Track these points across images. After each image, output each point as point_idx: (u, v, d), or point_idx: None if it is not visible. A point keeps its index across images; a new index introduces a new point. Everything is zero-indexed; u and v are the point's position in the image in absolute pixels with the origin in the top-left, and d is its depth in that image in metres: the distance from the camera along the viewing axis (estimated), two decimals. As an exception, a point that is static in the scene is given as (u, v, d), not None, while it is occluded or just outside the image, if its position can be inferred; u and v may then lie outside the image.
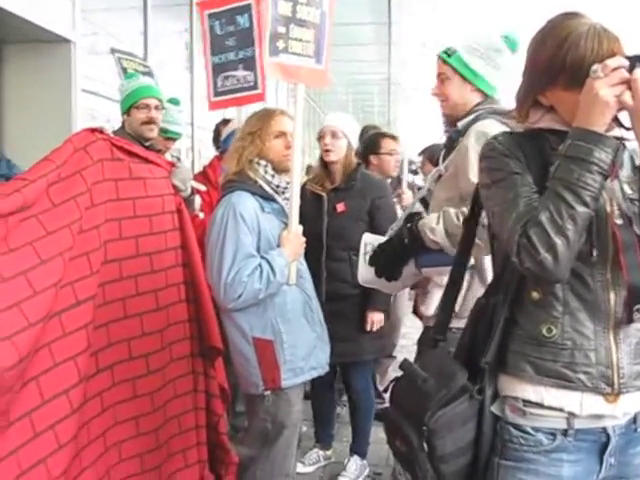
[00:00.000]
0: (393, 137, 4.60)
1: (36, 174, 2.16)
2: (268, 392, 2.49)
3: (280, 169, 2.54)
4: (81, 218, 2.30)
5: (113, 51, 3.91)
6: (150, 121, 3.13)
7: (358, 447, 3.66)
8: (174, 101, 3.92)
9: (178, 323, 2.87)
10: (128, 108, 3.17)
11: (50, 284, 2.02)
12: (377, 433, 3.79)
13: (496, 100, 2.40)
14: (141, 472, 2.64)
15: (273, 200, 2.54)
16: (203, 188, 3.18)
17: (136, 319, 2.64)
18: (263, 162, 2.51)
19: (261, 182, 2.51)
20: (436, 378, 1.58)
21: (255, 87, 3.04)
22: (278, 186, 2.54)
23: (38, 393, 1.98)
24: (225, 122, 4.32)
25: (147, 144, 3.11)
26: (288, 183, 2.56)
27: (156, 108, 3.16)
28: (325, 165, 3.52)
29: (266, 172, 2.52)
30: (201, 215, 3.52)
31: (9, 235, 1.95)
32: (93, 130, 2.57)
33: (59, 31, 4.77)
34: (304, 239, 2.61)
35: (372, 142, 4.46)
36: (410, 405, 1.61)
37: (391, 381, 1.75)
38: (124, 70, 3.83)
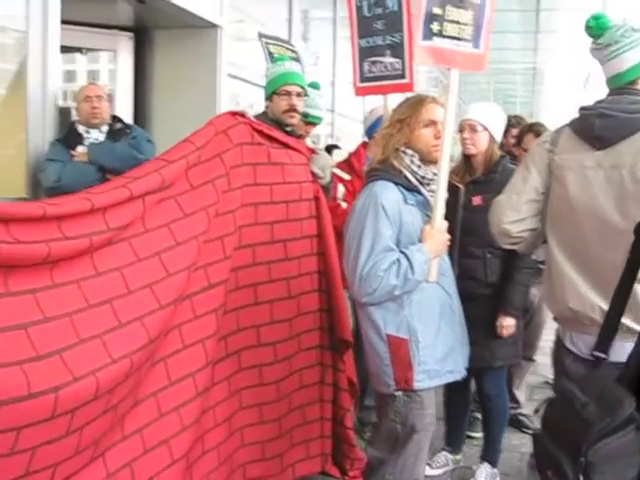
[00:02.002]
0: (538, 134, 4.31)
1: (176, 155, 2.16)
2: (399, 393, 2.37)
3: (427, 159, 2.40)
4: (218, 202, 2.29)
5: (260, 36, 3.89)
6: (291, 108, 3.07)
7: (489, 454, 3.47)
8: (315, 85, 3.86)
9: (308, 313, 2.82)
10: (270, 94, 3.14)
11: (183, 267, 2.02)
12: (510, 440, 3.55)
13: None
14: (262, 459, 2.63)
15: (417, 191, 2.40)
16: (347, 177, 3.09)
17: (266, 306, 2.61)
18: (410, 151, 2.38)
19: (406, 172, 2.38)
20: (597, 403, 1.39)
21: (402, 76, 2.90)
22: (424, 177, 2.40)
23: (165, 374, 1.99)
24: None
25: (288, 129, 3.06)
26: (435, 174, 2.41)
27: (298, 95, 3.10)
28: (466, 157, 3.36)
29: (412, 162, 2.38)
30: (343, 205, 3.45)
31: (146, 215, 1.96)
32: (235, 114, 2.56)
33: (207, 17, 4.87)
34: (448, 236, 2.45)
35: (519, 136, 4.22)
36: (566, 432, 1.43)
37: (543, 401, 1.57)
38: (271, 55, 3.80)
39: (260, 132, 2.62)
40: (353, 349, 3.06)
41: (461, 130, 3.35)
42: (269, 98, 3.14)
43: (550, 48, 13.60)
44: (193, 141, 2.27)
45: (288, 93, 3.07)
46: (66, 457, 1.59)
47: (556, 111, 14.45)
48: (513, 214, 2.21)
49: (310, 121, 3.66)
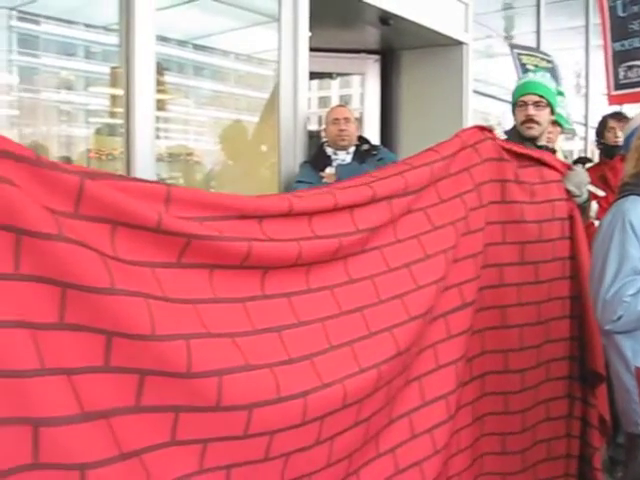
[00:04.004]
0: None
1: (420, 161, 2.13)
2: (651, 434, 2.10)
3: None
4: (466, 217, 2.22)
5: (512, 47, 3.76)
6: (527, 119, 2.90)
7: None
8: (558, 93, 3.63)
9: (558, 341, 2.63)
10: (513, 107, 3.00)
11: (431, 280, 1.98)
12: None
13: None
14: None
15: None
16: (602, 194, 2.85)
17: (514, 330, 2.48)
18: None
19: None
20: None
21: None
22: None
23: (419, 394, 1.96)
24: (617, 116, 3.86)
25: (540, 144, 2.90)
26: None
27: (536, 105, 2.91)
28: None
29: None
30: (596, 223, 3.19)
31: (397, 225, 1.94)
32: (482, 128, 2.49)
33: (453, 34, 4.84)
34: None
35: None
36: None
37: None
38: (523, 66, 3.65)
39: (508, 150, 2.51)
40: (607, 382, 2.81)
41: None
42: (513, 111, 3.01)
43: None
44: (438, 150, 2.24)
45: (525, 104, 2.91)
46: (318, 468, 1.60)
47: None
48: None
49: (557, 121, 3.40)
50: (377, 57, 5.19)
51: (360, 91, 5.35)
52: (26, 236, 1.11)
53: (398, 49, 5.18)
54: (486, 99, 5.62)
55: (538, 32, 6.48)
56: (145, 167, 2.98)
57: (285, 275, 1.60)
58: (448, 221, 2.14)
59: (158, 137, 3.38)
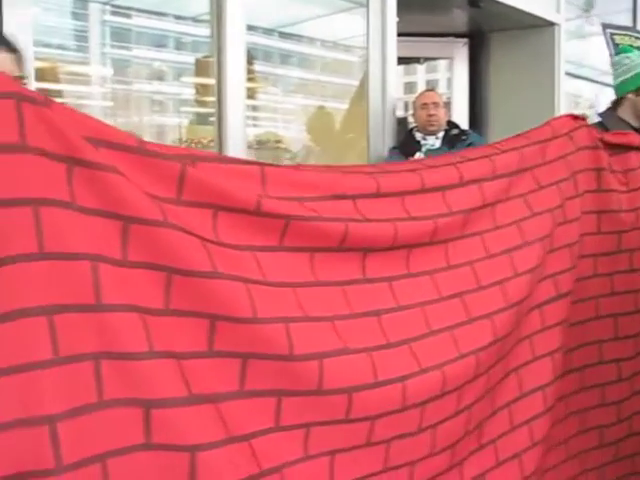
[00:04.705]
0: None
1: (508, 145, 2.07)
2: None
3: None
4: (562, 206, 2.16)
5: (604, 27, 3.61)
6: None
7: None
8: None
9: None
10: (634, 89, 2.79)
11: (528, 268, 1.93)
12: None
13: None
14: None
15: None
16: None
17: (609, 320, 2.40)
18: None
19: None
20: None
21: None
22: None
23: (517, 385, 1.92)
24: None
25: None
26: None
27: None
28: None
29: None
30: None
31: (496, 211, 1.89)
32: (575, 117, 2.41)
33: (544, 15, 4.71)
34: None
35: None
36: None
37: None
38: (616, 47, 3.50)
39: (600, 138, 2.42)
40: None
41: None
42: (632, 93, 2.82)
43: None
44: (527, 136, 2.17)
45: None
46: (422, 456, 1.58)
47: None
48: None
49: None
50: (465, 40, 5.09)
51: (447, 76, 5.27)
52: (133, 223, 1.13)
53: (487, 32, 5.07)
54: (578, 81, 5.44)
55: (634, 10, 6.23)
56: (236, 155, 3.03)
57: (386, 259, 1.57)
58: (546, 209, 2.09)
59: (247, 125, 3.43)
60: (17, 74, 1.71)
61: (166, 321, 1.17)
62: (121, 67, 3.85)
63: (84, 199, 1.08)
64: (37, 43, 2.79)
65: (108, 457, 1.08)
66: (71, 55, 3.57)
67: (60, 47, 3.48)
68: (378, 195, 1.58)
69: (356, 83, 4.01)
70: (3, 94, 1.01)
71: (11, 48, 1.64)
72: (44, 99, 1.07)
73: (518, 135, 2.20)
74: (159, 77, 3.95)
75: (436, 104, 3.61)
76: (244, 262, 1.28)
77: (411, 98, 4.32)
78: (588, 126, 2.41)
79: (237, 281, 1.23)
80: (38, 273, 1.04)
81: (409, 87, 5.55)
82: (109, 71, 3.71)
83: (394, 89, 3.86)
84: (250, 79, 3.51)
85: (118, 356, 1.10)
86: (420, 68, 5.45)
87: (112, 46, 3.83)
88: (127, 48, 3.97)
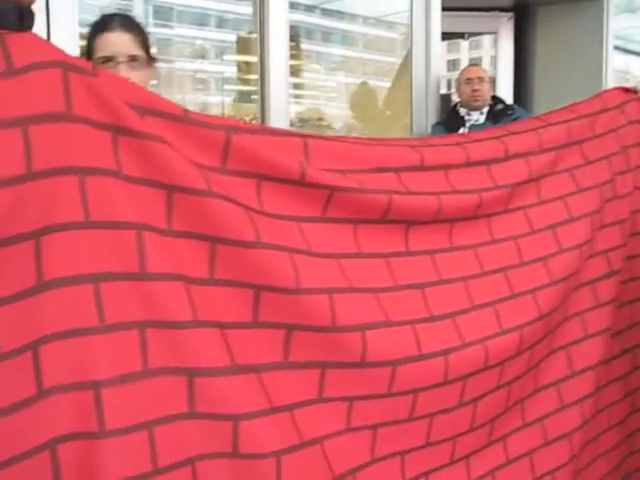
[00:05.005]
0: None
1: (555, 119, 2.02)
2: None
3: None
4: (612, 181, 2.10)
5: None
6: None
7: None
8: None
9: None
10: None
11: (574, 244, 1.88)
12: None
13: None
14: None
15: None
16: None
17: None
18: None
19: None
20: None
21: None
22: None
23: (567, 364, 1.88)
24: None
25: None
26: None
27: None
28: None
29: None
30: None
31: (541, 186, 1.85)
32: (626, 90, 2.34)
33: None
34: None
35: None
36: None
37: None
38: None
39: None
40: None
41: None
42: None
43: None
44: (574, 110, 2.11)
45: None
46: (462, 431, 1.57)
47: None
48: None
49: None
50: (510, 15, 4.98)
51: (491, 53, 5.17)
52: (178, 192, 1.13)
53: (533, 5, 4.95)
54: (627, 57, 5.29)
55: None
56: (278, 132, 3.03)
57: (429, 232, 1.56)
58: (593, 184, 2.03)
59: (289, 102, 3.43)
60: (132, 53, 1.74)
61: (210, 290, 1.17)
62: (164, 46, 3.87)
63: (129, 168, 1.09)
64: (82, 23, 2.82)
65: (154, 425, 1.09)
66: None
67: (104, 26, 3.50)
68: (422, 168, 1.56)
69: (398, 61, 3.97)
70: (49, 63, 1.01)
71: (127, 28, 1.68)
72: (91, 67, 1.07)
73: (565, 108, 2.14)
74: (201, 55, 3.96)
75: (481, 79, 3.56)
76: (288, 232, 1.28)
77: (454, 76, 4.25)
78: (638, 100, 2.35)
79: (281, 251, 1.22)
80: (84, 241, 1.05)
81: (452, 65, 5.46)
82: (152, 50, 3.73)
83: (438, 64, 3.82)
84: (293, 56, 3.50)
85: (163, 325, 1.10)
86: (463, 46, 5.37)
87: (155, 25, 3.86)
88: (169, 27, 3.99)
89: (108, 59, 1.70)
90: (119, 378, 1.07)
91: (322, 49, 4.19)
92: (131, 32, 1.70)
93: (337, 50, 4.26)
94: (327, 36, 4.25)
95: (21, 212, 0.99)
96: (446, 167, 1.62)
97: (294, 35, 3.58)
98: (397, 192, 1.46)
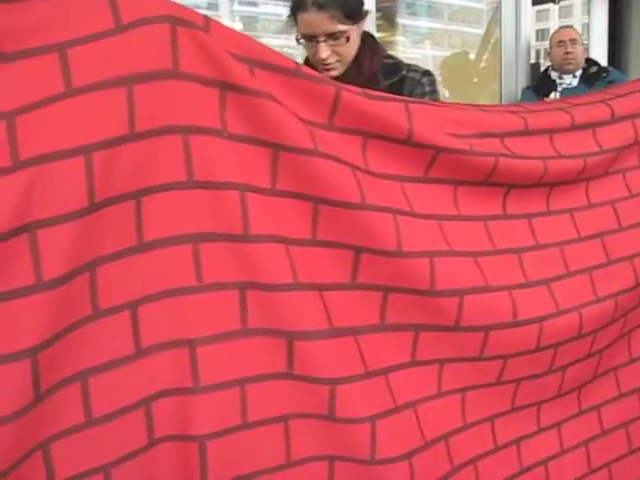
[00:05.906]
0: None
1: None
2: None
3: None
4: None
5: None
6: None
7: None
8: None
9: None
10: None
11: (624, 255, 1.76)
12: None
13: None
14: None
15: None
16: None
17: None
18: None
19: None
20: None
21: None
22: None
23: (627, 349, 1.79)
24: None
25: None
26: None
27: None
28: None
29: None
30: None
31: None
32: None
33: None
34: None
35: None
36: None
37: None
38: None
39: None
40: None
41: None
42: None
43: None
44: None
45: None
46: (548, 397, 1.54)
47: None
48: None
49: None
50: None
51: (583, 20, 4.93)
52: (283, 151, 1.11)
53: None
54: None
55: None
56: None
57: (527, 195, 1.51)
58: None
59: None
60: (329, 31, 1.74)
61: (312, 252, 1.17)
62: (250, 23, 3.91)
63: (235, 126, 1.08)
64: (169, 2, 2.88)
65: (248, 382, 1.11)
66: (203, 13, 3.68)
67: (192, 6, 3.58)
68: (526, 133, 1.50)
69: (480, 32, 3.88)
70: (158, 18, 0.99)
71: (319, 6, 1.68)
72: (202, 22, 1.05)
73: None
74: (286, 32, 3.99)
75: (573, 41, 3.40)
76: (392, 192, 1.25)
77: (543, 45, 4.10)
78: None
79: (385, 212, 1.20)
80: (186, 201, 1.05)
81: (541, 34, 5.26)
82: (239, 26, 3.78)
83: (528, 25, 3.70)
84: (379, 29, 3.46)
85: (264, 287, 1.11)
86: (553, 13, 5.15)
87: (240, 3, 3.90)
88: (255, 4, 4.02)
89: (310, 37, 1.71)
90: (215, 337, 1.08)
91: (407, 22, 4.13)
92: (324, 9, 1.69)
93: (423, 22, 4.19)
94: (412, 8, 4.19)
95: (122, 173, 0.99)
96: (550, 131, 1.56)
97: (380, 8, 3.55)
98: (503, 155, 1.42)
